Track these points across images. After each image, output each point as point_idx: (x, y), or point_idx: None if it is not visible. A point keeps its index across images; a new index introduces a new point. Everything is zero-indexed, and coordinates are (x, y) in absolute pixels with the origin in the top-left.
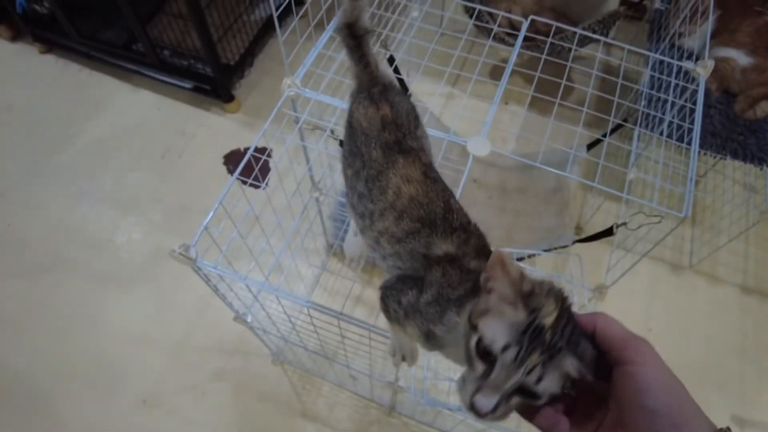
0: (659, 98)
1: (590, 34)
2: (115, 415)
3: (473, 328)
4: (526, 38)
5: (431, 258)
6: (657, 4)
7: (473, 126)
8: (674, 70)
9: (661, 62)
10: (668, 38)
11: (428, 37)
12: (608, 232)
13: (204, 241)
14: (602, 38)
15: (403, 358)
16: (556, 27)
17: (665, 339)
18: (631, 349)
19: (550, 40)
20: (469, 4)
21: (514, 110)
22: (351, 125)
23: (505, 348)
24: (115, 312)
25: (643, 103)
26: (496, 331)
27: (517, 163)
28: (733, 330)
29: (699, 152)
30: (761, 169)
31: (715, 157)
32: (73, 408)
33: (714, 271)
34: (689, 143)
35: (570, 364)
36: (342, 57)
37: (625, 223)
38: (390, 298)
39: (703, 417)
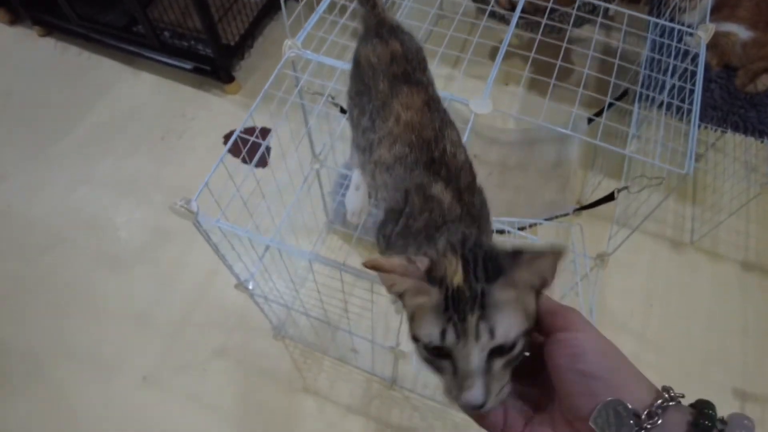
0: (660, 66)
1: (585, 15)
2: (116, 392)
3: (415, 341)
4: (524, 17)
5: (411, 186)
6: None
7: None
8: (675, 35)
9: (663, 32)
10: (668, 12)
11: (426, 18)
12: (610, 198)
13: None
14: (605, 7)
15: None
16: (555, 3)
17: (666, 315)
18: (562, 316)
19: (545, 21)
20: None
21: (514, 91)
22: (358, 64)
23: (443, 334)
24: (116, 291)
25: (644, 71)
26: (428, 327)
27: (518, 138)
28: (734, 306)
29: (699, 126)
30: (762, 142)
31: (715, 130)
32: (74, 386)
33: (715, 247)
34: (691, 104)
35: (500, 290)
36: (343, 21)
37: (626, 187)
38: (379, 232)
39: (643, 379)
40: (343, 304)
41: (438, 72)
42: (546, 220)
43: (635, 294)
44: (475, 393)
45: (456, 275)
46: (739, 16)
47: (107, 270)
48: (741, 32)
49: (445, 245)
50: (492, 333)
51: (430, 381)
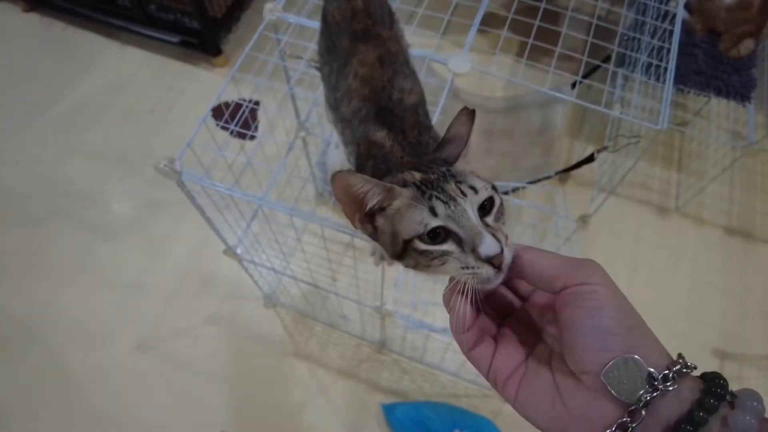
0: (642, 23)
1: None
2: (111, 360)
3: (408, 243)
4: None
5: (359, 135)
6: None
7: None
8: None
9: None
10: None
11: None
12: (590, 159)
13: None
14: None
15: (383, 258)
16: None
17: (650, 279)
18: (580, 271)
19: None
20: None
21: (502, 60)
22: (326, 21)
23: (433, 210)
24: (109, 262)
25: (623, 34)
26: (416, 215)
27: (504, 106)
28: (717, 269)
29: (683, 91)
30: (744, 106)
31: (699, 94)
32: (70, 354)
33: (699, 213)
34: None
35: (457, 165)
36: None
37: (606, 147)
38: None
39: (659, 343)
40: (328, 265)
41: (422, 40)
42: (529, 183)
43: (620, 259)
44: (488, 242)
45: (416, 175)
46: None
47: (100, 241)
48: None
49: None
50: (474, 188)
51: (418, 344)
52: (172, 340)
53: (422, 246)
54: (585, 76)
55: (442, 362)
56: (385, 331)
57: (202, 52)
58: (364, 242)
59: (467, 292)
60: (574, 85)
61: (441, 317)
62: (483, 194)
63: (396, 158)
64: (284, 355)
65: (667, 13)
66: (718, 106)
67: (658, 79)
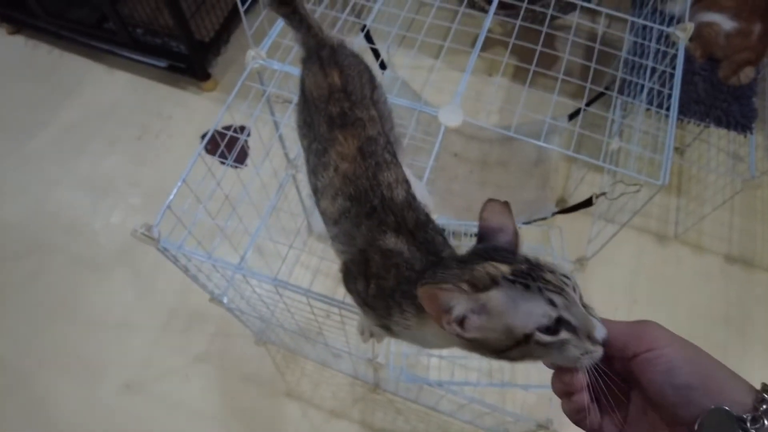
0: (641, 65)
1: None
2: (99, 400)
3: (529, 337)
4: (504, 5)
5: (362, 242)
6: None
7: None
8: (655, 35)
9: (643, 28)
10: (651, 3)
11: (410, 8)
12: (588, 203)
13: (171, 220)
14: (582, 3)
15: (372, 335)
16: None
17: (650, 309)
18: (644, 335)
19: (525, 5)
20: None
21: (498, 82)
22: (304, 93)
23: (551, 302)
24: (96, 296)
25: (623, 69)
26: (532, 308)
27: (498, 135)
28: (718, 299)
29: (683, 120)
30: (745, 137)
31: (698, 125)
32: (56, 393)
33: (699, 240)
34: (669, 109)
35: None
36: None
37: (604, 193)
38: (349, 281)
39: (739, 379)
40: (317, 322)
41: (421, 63)
42: (525, 223)
43: (619, 288)
44: (599, 327)
45: (502, 268)
46: (723, 5)
47: (87, 275)
48: (724, 22)
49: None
50: (566, 276)
51: (413, 386)
52: (161, 379)
53: (545, 338)
54: (573, 116)
55: (438, 403)
56: (378, 374)
57: (191, 77)
58: (354, 314)
59: (588, 375)
60: (571, 117)
61: (434, 367)
62: (573, 279)
63: (419, 261)
64: (275, 395)
65: (666, 53)
66: (718, 129)
67: (660, 106)
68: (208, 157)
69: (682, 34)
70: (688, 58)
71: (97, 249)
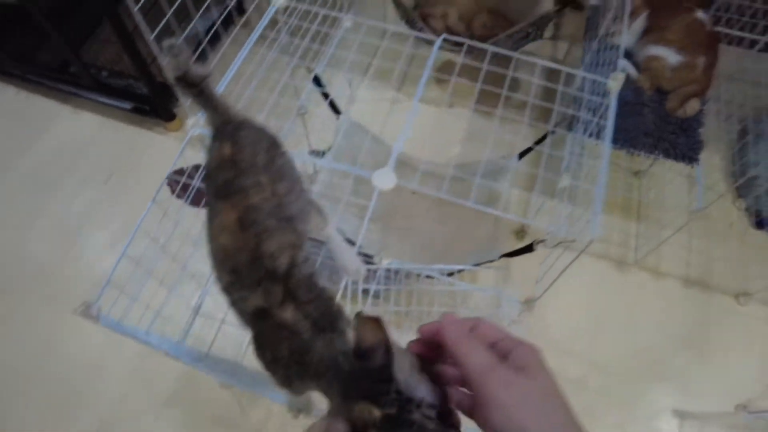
0: (590, 104)
1: (502, 50)
2: None
3: None
4: (459, 42)
5: (249, 313)
6: (593, 0)
7: (414, 140)
8: (589, 84)
9: (591, 63)
10: (599, 37)
11: (368, 49)
12: (529, 249)
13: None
14: (519, 56)
15: (299, 410)
16: (492, 28)
17: (612, 337)
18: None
19: (467, 43)
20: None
21: (459, 113)
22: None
23: None
24: (68, 338)
25: (573, 107)
26: None
27: (455, 172)
28: (678, 323)
29: (633, 153)
30: (692, 167)
31: (648, 156)
32: None
33: (658, 265)
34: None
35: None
36: (253, 92)
37: (543, 241)
38: (257, 351)
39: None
40: None
41: (383, 96)
42: (475, 265)
43: (581, 316)
44: None
45: (375, 413)
46: (668, 40)
47: (59, 316)
48: (670, 56)
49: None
50: (432, 407)
51: None
52: (132, 420)
53: None
54: (525, 153)
55: None
56: None
57: (155, 118)
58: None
59: None
60: (522, 155)
61: None
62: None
63: (307, 332)
64: None
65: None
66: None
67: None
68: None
69: (614, 84)
70: (639, 91)
71: (68, 291)
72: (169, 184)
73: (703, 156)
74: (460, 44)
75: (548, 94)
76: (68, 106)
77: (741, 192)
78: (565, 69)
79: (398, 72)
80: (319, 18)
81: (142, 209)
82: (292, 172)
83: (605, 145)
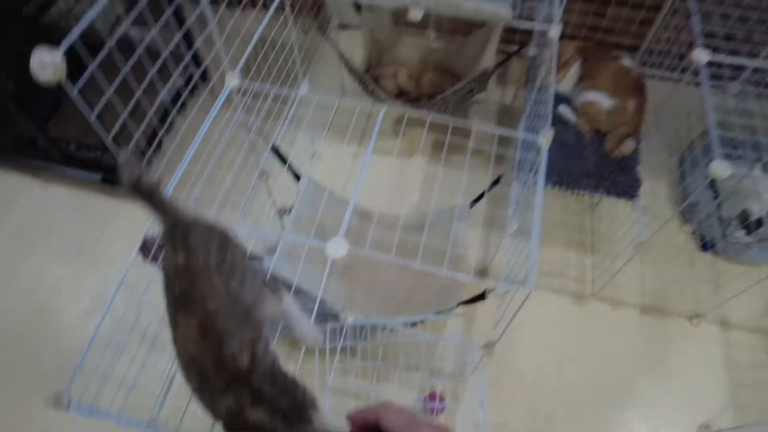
0: (525, 161)
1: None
2: None
3: None
4: (411, 99)
5: (222, 415)
6: (532, 51)
7: (371, 189)
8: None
9: (531, 113)
10: (538, 87)
11: (327, 107)
12: (482, 297)
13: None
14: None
15: None
16: (439, 85)
17: (575, 366)
18: None
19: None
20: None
21: (417, 163)
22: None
23: None
24: (39, 417)
25: (520, 151)
26: None
27: (415, 222)
28: (638, 349)
29: (577, 194)
30: (633, 203)
31: (592, 196)
32: None
33: (615, 295)
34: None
35: None
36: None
37: (492, 290)
38: None
39: None
40: None
41: (346, 149)
42: (437, 314)
43: (545, 351)
44: None
45: None
46: (600, 86)
47: (33, 394)
48: (604, 100)
49: None
50: None
51: None
52: None
53: None
54: (479, 198)
55: None
56: None
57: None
58: None
59: None
60: (474, 203)
61: None
62: None
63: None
64: None
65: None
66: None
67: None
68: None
69: (544, 140)
70: (579, 134)
71: (42, 367)
72: (142, 250)
73: (649, 185)
74: (412, 100)
75: (498, 141)
76: (38, 180)
77: (686, 217)
78: (500, 132)
79: (358, 127)
80: (272, 94)
81: (114, 278)
82: (243, 262)
83: (537, 199)
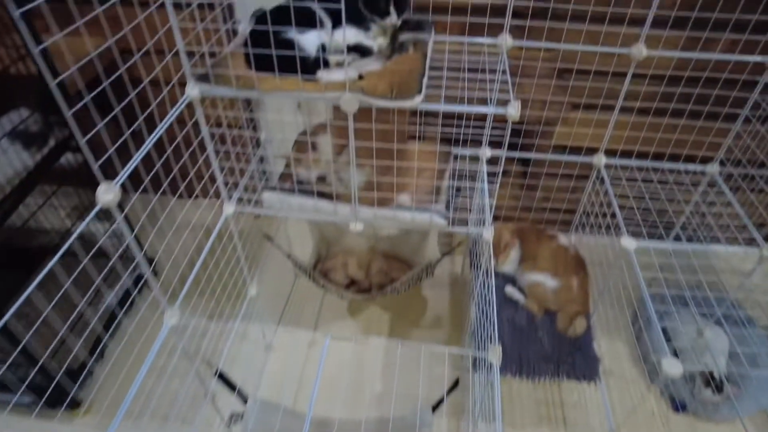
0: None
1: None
2: None
3: None
4: (361, 290)
5: None
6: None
7: (329, 385)
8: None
9: (479, 295)
10: (483, 271)
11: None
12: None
13: None
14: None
15: None
16: (388, 272)
17: None
18: None
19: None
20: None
21: (376, 344)
22: None
23: None
24: None
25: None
26: None
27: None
28: None
29: (539, 380)
30: (596, 384)
31: (554, 381)
32: None
33: None
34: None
35: None
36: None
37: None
38: None
39: None
40: None
41: (302, 336)
42: None
43: None
44: None
45: None
46: (541, 267)
47: None
48: (548, 281)
49: None
50: None
51: None
52: None
53: None
54: (440, 402)
55: None
56: None
57: (57, 408)
58: None
59: None
60: (435, 408)
61: None
62: None
63: None
64: None
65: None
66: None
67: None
68: None
69: (494, 357)
70: (531, 315)
71: None
72: None
73: (607, 345)
74: (363, 290)
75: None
76: None
77: (651, 378)
78: (455, 351)
79: (312, 312)
80: (216, 314)
81: None
82: None
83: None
